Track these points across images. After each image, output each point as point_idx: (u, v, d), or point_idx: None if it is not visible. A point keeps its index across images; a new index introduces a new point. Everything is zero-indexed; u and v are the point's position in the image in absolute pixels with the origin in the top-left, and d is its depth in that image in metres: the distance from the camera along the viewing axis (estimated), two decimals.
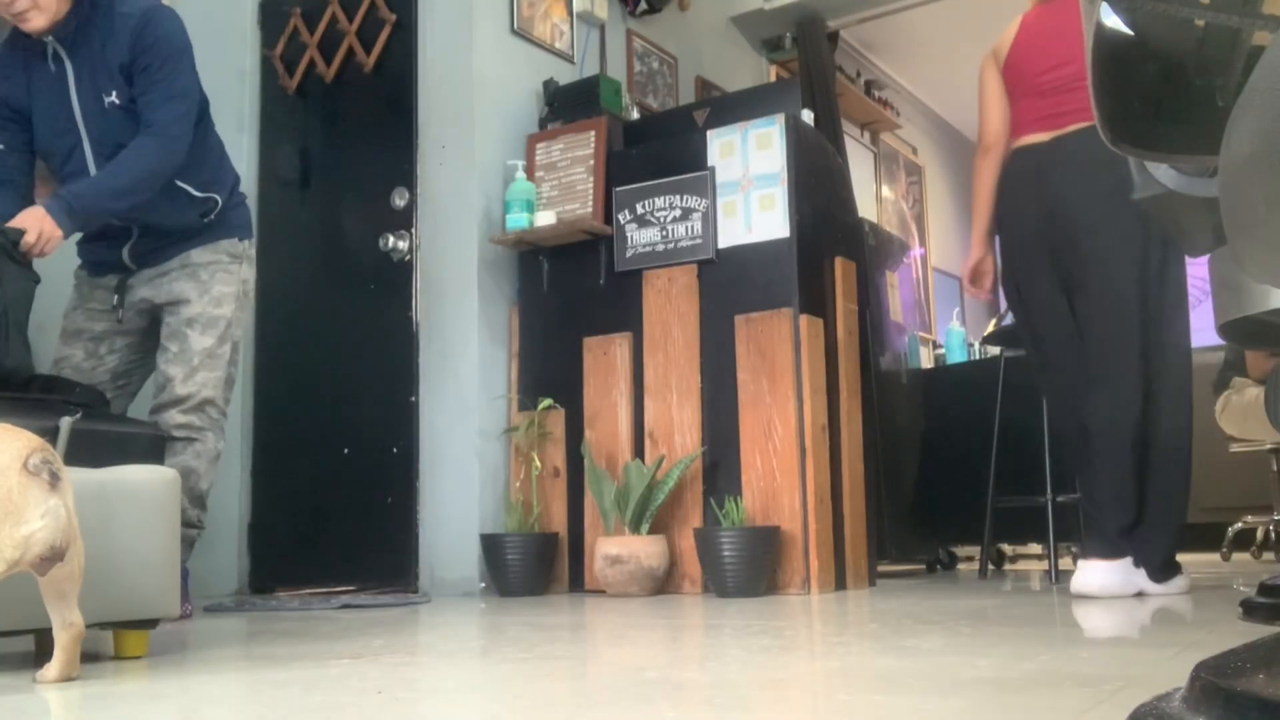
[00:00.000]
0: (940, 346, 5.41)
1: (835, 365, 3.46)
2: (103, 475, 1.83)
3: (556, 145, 3.85)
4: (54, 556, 1.49)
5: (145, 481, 1.89)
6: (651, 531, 3.33)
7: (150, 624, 1.88)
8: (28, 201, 2.63)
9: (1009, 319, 4.28)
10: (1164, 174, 1.34)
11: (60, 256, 2.86)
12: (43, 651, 1.96)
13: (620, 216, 3.66)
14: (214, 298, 2.77)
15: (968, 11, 6.02)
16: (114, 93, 2.58)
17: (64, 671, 1.57)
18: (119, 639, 1.88)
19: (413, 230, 3.74)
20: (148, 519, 1.86)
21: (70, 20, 2.55)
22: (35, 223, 2.36)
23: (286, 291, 3.98)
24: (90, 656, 1.91)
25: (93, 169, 2.63)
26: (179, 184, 2.68)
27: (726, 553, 3.07)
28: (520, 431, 3.64)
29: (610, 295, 3.67)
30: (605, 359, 3.63)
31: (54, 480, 1.49)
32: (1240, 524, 5.16)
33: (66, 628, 1.57)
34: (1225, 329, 1.70)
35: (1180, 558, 2.89)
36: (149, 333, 2.84)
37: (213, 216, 2.78)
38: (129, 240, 2.76)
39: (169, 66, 2.57)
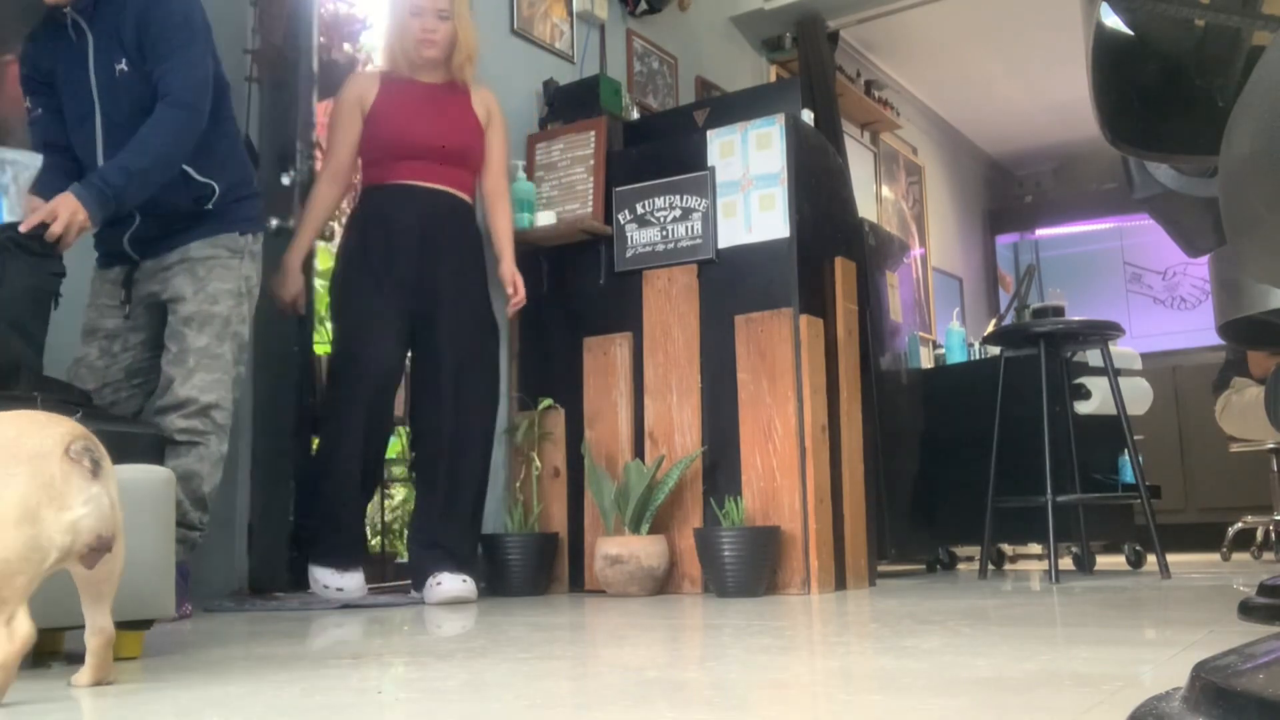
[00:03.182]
0: (940, 346, 5.40)
1: (835, 365, 3.46)
2: None
3: (556, 145, 3.85)
4: (102, 547, 1.45)
5: (140, 481, 1.88)
6: (651, 531, 3.33)
7: (145, 624, 1.88)
8: (74, 163, 2.62)
9: (1009, 319, 4.28)
10: (1164, 174, 1.34)
11: (76, 253, 2.86)
12: (41, 651, 1.96)
13: (620, 216, 3.66)
14: (209, 295, 2.70)
15: (968, 11, 6.02)
16: (123, 60, 2.57)
17: (98, 676, 1.53)
18: (118, 639, 1.88)
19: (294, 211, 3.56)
20: (142, 518, 1.86)
21: None
22: (64, 211, 2.31)
23: None
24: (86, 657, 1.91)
25: (99, 138, 2.62)
26: (183, 165, 2.64)
27: (726, 553, 3.07)
28: (520, 431, 3.64)
29: (610, 295, 3.67)
30: (605, 359, 3.63)
31: (96, 468, 1.45)
32: (1240, 524, 5.16)
33: (98, 633, 1.53)
34: (1225, 329, 1.70)
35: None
36: (162, 330, 2.77)
37: (210, 205, 2.72)
38: (130, 226, 2.73)
39: (179, 37, 2.55)
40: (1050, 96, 7.24)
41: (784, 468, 3.24)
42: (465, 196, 3.44)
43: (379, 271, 3.28)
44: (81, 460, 1.43)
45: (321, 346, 3.79)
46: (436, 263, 3.32)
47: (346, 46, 4.78)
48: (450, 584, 3.14)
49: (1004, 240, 8.58)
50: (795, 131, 3.45)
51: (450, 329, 3.30)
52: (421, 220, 3.33)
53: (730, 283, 3.44)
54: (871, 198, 6.56)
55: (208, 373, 2.67)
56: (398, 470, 4.32)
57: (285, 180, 3.59)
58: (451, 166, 3.41)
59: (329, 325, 3.56)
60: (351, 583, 3.24)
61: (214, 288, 2.71)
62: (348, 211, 3.60)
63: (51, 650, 1.97)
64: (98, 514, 1.43)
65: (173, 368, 2.67)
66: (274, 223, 3.45)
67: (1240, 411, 4.53)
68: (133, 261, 2.77)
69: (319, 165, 3.52)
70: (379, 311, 3.28)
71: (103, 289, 2.80)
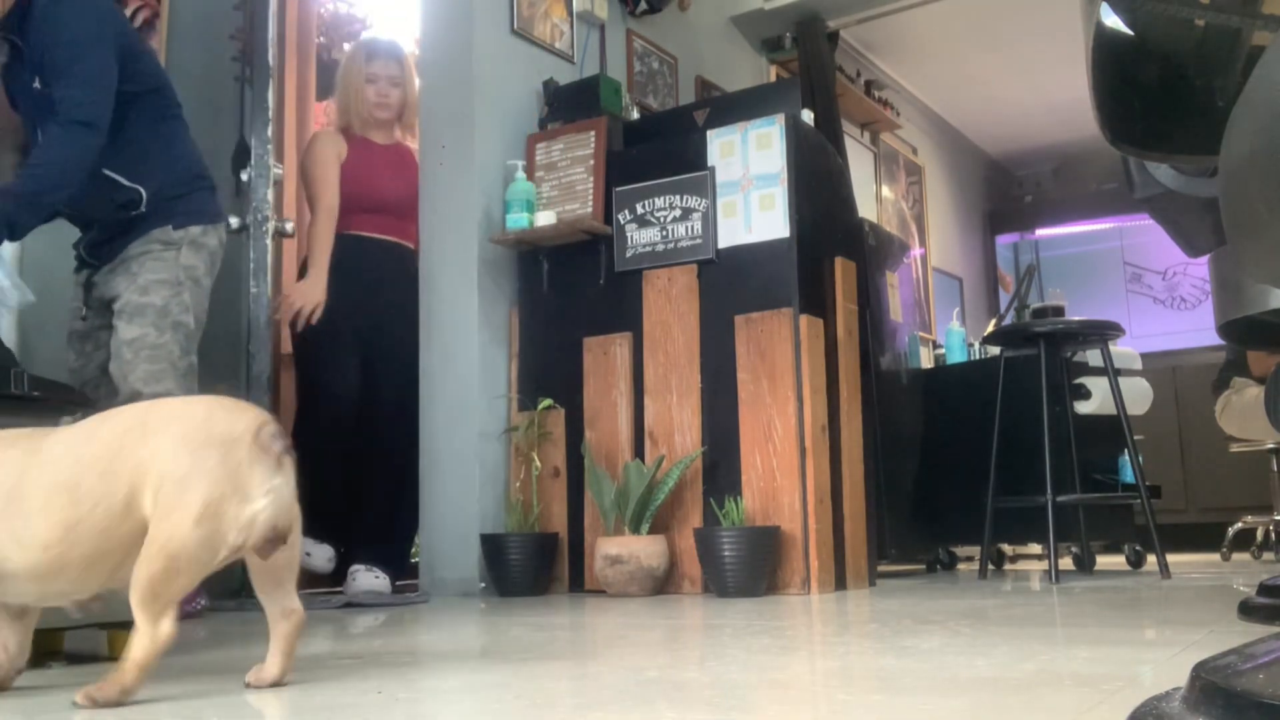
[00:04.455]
0: (940, 346, 5.40)
1: (835, 365, 3.46)
2: None
3: (556, 145, 3.85)
4: (277, 538, 1.39)
5: None
6: (651, 531, 3.33)
7: None
8: None
9: (1009, 319, 4.27)
10: (1164, 174, 1.34)
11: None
12: (41, 651, 1.96)
13: (620, 216, 3.66)
14: (140, 286, 2.66)
15: (968, 11, 6.02)
16: (37, 79, 2.55)
17: (286, 666, 1.48)
18: (113, 639, 1.88)
19: (249, 209, 3.58)
20: None
21: (16, 7, 2.53)
22: None
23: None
24: (86, 658, 1.91)
25: None
26: (105, 171, 2.61)
27: (726, 553, 3.07)
28: (520, 431, 3.64)
29: (610, 295, 3.67)
30: (605, 359, 3.63)
31: (281, 457, 1.41)
32: (1240, 524, 5.15)
33: (287, 616, 1.48)
34: (1225, 329, 1.70)
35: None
36: None
37: (143, 208, 2.69)
38: (87, 235, 2.76)
39: (69, 53, 2.50)
40: (1050, 96, 7.24)
41: (784, 468, 3.24)
42: (412, 245, 3.96)
43: (347, 313, 3.69)
44: (271, 447, 1.40)
45: None
46: (391, 306, 3.81)
47: (346, 46, 4.78)
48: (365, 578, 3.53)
49: (1004, 240, 8.58)
50: (795, 131, 3.45)
51: (393, 366, 3.77)
52: (382, 271, 3.83)
53: (730, 283, 3.44)
54: (871, 198, 6.56)
55: (150, 364, 2.63)
56: None
57: (244, 176, 3.64)
58: (403, 219, 3.92)
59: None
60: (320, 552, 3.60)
61: (145, 280, 2.67)
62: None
63: (51, 650, 1.97)
64: (277, 506, 1.38)
65: (114, 364, 2.66)
66: (234, 221, 3.45)
67: (1240, 411, 4.53)
68: (93, 266, 2.80)
69: (278, 166, 3.69)
70: (348, 356, 3.70)
71: (75, 294, 2.84)
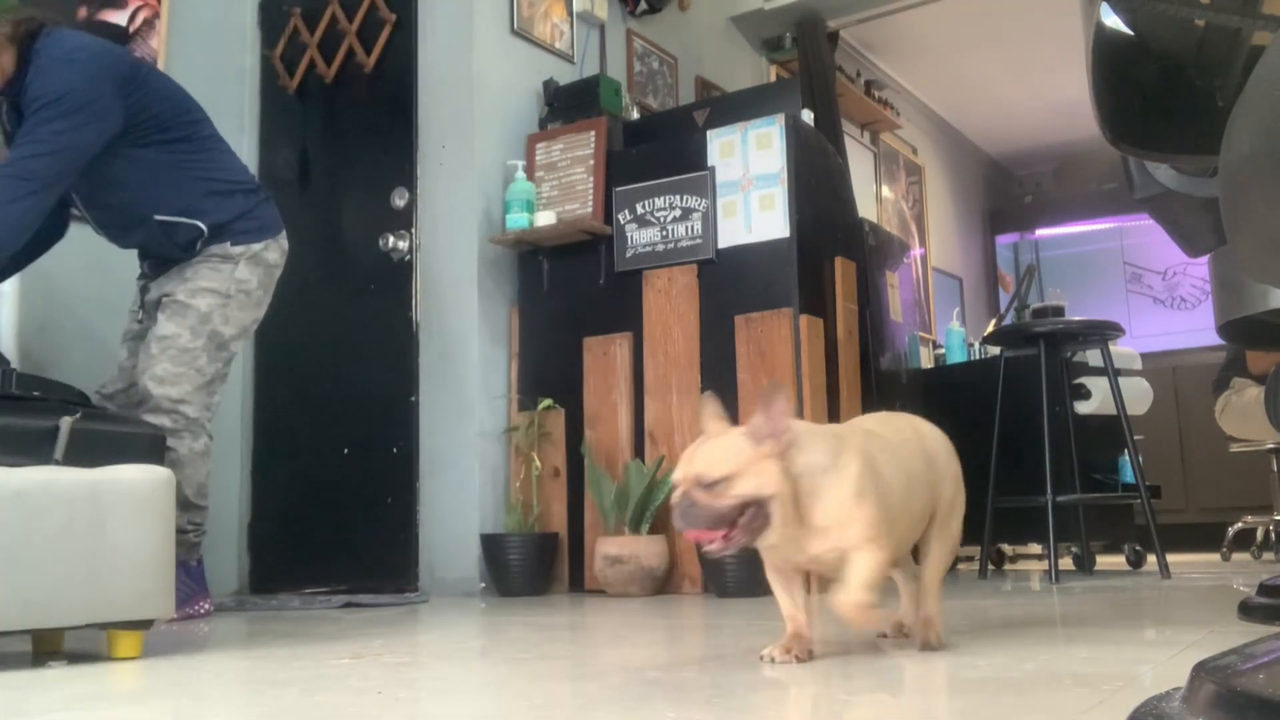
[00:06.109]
0: (940, 346, 5.40)
1: (835, 365, 3.46)
2: (95, 475, 1.83)
3: (556, 145, 3.85)
4: None
5: (138, 481, 1.89)
6: (651, 531, 3.32)
7: (144, 625, 1.88)
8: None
9: (1009, 319, 4.27)
10: (1164, 174, 1.34)
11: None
12: (40, 650, 1.96)
13: (620, 216, 3.66)
14: (190, 289, 2.70)
15: (968, 11, 6.02)
16: None
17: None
18: (112, 640, 1.88)
19: (413, 230, 3.76)
20: (140, 518, 1.86)
21: (20, 75, 2.47)
22: None
23: (286, 292, 3.97)
24: (86, 657, 1.91)
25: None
26: (159, 218, 2.64)
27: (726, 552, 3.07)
28: (520, 431, 3.64)
29: (610, 295, 3.66)
30: (605, 359, 3.63)
31: None
32: (1240, 524, 5.15)
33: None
34: (1225, 329, 1.70)
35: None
36: None
37: (207, 236, 2.72)
38: (148, 258, 2.84)
39: (46, 113, 2.42)
40: (1050, 96, 7.23)
41: None
42: None
43: None
44: None
45: None
46: None
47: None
48: None
49: (1004, 240, 8.58)
50: (795, 131, 3.45)
51: None
52: None
53: (730, 283, 3.44)
54: (871, 198, 6.56)
55: (173, 364, 2.65)
56: None
57: (400, 202, 3.81)
58: None
59: None
60: None
61: (196, 284, 2.72)
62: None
63: (51, 650, 1.97)
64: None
65: (142, 352, 2.70)
66: (389, 241, 3.79)
67: (1240, 411, 4.52)
68: (152, 276, 2.86)
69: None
70: None
71: (134, 297, 2.92)
